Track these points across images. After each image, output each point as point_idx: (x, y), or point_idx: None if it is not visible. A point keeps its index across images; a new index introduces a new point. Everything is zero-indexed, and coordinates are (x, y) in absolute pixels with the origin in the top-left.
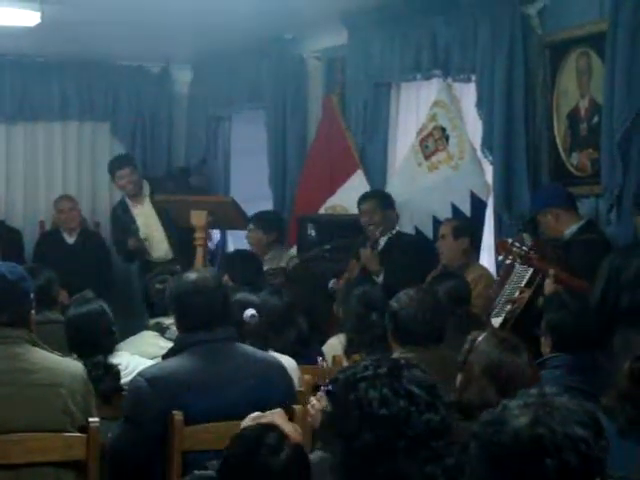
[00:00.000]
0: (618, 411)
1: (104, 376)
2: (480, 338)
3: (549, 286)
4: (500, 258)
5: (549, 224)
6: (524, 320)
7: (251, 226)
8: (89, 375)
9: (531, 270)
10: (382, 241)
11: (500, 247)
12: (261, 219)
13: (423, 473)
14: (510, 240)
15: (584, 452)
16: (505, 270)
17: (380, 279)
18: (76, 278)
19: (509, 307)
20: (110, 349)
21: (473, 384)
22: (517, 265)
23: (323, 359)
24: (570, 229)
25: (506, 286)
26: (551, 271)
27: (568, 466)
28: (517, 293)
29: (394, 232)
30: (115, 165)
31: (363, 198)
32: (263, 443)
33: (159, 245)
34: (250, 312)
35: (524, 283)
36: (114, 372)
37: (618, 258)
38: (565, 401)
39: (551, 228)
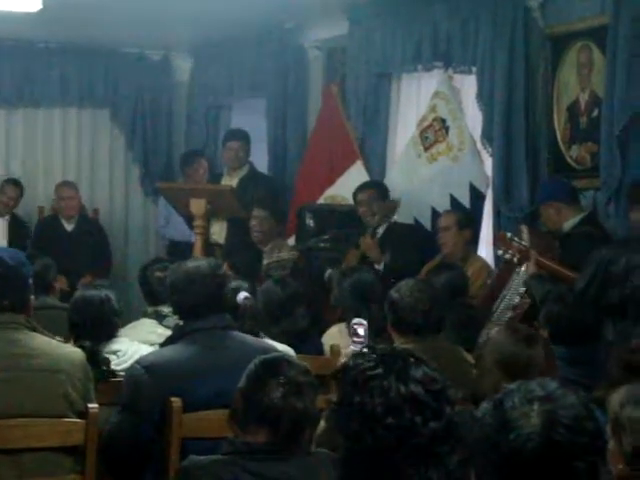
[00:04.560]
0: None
1: (91, 363)
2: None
3: (530, 267)
4: (499, 252)
5: (550, 217)
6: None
7: (262, 212)
8: None
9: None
10: (380, 229)
11: (499, 240)
12: (270, 204)
13: (424, 478)
14: (509, 234)
15: (601, 447)
16: (504, 268)
17: (381, 267)
18: (74, 265)
19: (510, 314)
20: (108, 337)
21: (487, 376)
22: (519, 271)
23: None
24: (570, 222)
25: (505, 292)
26: (533, 253)
27: (595, 465)
28: (517, 299)
29: (392, 221)
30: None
31: (360, 189)
32: None
33: None
34: (243, 295)
35: (521, 290)
36: (100, 359)
37: (609, 252)
38: (566, 393)
39: (552, 221)
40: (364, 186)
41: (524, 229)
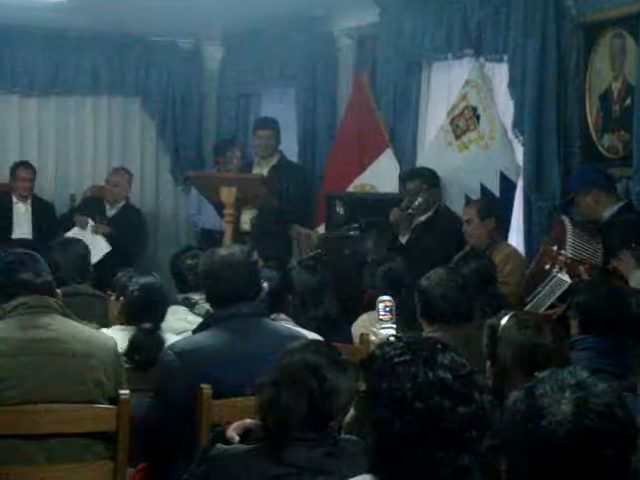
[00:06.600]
0: None
1: (152, 345)
2: (503, 323)
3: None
4: (547, 267)
5: (589, 206)
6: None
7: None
8: (135, 339)
9: (568, 284)
10: (424, 217)
11: (546, 256)
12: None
13: (455, 463)
14: (555, 248)
15: (631, 434)
16: (542, 263)
17: (404, 240)
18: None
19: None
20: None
21: (508, 375)
22: (555, 276)
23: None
24: (609, 211)
25: (539, 289)
26: (581, 268)
27: (626, 453)
28: (548, 303)
29: (436, 207)
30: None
31: (408, 177)
32: None
33: None
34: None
35: (556, 296)
36: (161, 342)
37: None
38: (597, 381)
39: (590, 210)
40: (411, 175)
41: (566, 220)
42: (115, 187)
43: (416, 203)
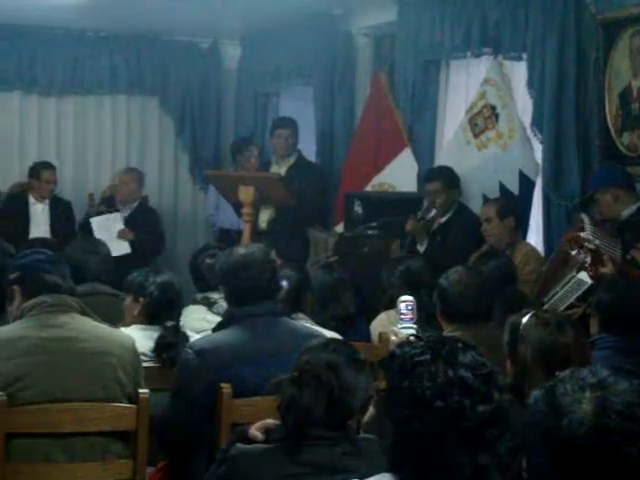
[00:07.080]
0: None
1: (179, 343)
2: (524, 321)
3: (609, 267)
4: (573, 252)
5: (607, 203)
6: None
7: None
8: (162, 338)
9: (588, 285)
10: (443, 218)
11: (572, 241)
12: None
13: (474, 462)
14: (582, 234)
15: None
16: (559, 258)
17: (422, 249)
18: None
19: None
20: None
21: (529, 374)
22: (575, 276)
23: None
24: (629, 210)
25: (557, 289)
26: (607, 257)
27: None
28: (567, 303)
29: (456, 208)
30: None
31: (427, 179)
32: None
33: None
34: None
35: (576, 296)
36: (186, 339)
37: None
38: (618, 380)
39: (609, 207)
40: (431, 177)
41: (585, 219)
42: (125, 186)
43: (431, 214)
